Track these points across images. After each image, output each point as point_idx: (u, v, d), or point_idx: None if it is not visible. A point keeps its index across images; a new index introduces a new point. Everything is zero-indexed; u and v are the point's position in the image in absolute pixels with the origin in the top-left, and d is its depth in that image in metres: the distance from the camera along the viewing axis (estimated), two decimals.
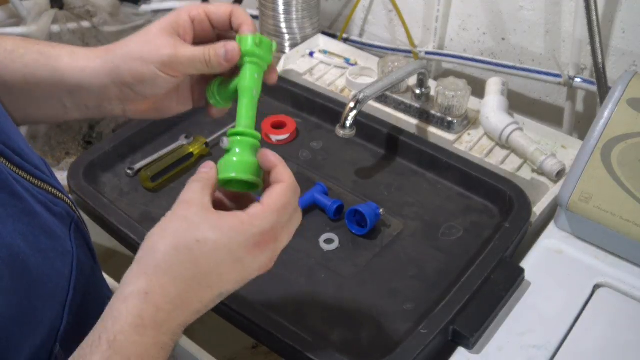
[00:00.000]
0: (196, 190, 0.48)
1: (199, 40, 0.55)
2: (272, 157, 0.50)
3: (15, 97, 0.55)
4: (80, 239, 0.53)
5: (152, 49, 0.52)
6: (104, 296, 0.59)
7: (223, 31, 0.56)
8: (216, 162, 0.52)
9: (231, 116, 0.55)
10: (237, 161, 0.50)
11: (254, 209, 0.48)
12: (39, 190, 0.49)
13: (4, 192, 0.43)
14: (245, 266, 0.48)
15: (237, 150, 0.51)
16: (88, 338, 0.44)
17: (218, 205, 0.51)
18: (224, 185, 0.51)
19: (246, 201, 0.52)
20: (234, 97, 0.54)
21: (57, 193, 0.51)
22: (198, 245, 0.45)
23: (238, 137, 0.51)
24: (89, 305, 0.53)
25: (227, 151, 0.51)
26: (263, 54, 0.53)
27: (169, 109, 0.59)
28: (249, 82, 0.53)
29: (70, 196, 0.54)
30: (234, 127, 0.52)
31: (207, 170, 0.50)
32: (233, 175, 0.50)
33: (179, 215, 0.47)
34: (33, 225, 0.46)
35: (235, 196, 0.54)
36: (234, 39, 0.54)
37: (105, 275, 0.67)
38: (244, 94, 0.53)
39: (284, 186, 0.49)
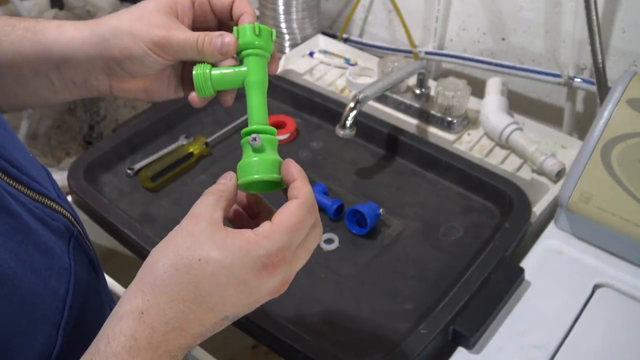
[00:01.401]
0: (208, 204, 0.45)
1: (196, 24, 0.53)
2: (293, 170, 0.47)
3: (3, 79, 0.53)
4: (80, 254, 0.50)
5: (144, 26, 0.49)
6: (107, 312, 0.56)
7: (223, 19, 0.54)
8: (230, 168, 0.49)
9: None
10: (256, 161, 0.47)
11: (264, 227, 0.44)
12: (36, 205, 0.46)
13: None
14: (251, 289, 0.44)
15: (252, 150, 0.48)
16: (83, 358, 0.41)
17: (237, 219, 0.49)
18: (245, 189, 0.48)
19: (266, 216, 0.49)
20: (229, 87, 0.52)
21: (56, 207, 0.49)
22: (199, 265, 0.42)
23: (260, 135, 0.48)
24: (87, 324, 0.49)
25: (245, 151, 0.48)
26: (264, 44, 0.51)
27: (159, 93, 0.56)
28: (257, 76, 0.50)
29: (72, 210, 0.52)
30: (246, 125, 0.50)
31: (225, 182, 0.47)
32: (254, 177, 0.47)
33: (184, 230, 0.44)
34: (26, 242, 0.43)
35: (256, 211, 0.51)
36: (232, 30, 0.51)
37: (105, 276, 0.67)
38: (254, 89, 0.50)
39: (297, 203, 0.45)
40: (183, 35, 0.50)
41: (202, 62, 0.52)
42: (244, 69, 0.51)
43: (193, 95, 0.53)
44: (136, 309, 0.41)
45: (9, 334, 0.40)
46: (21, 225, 0.43)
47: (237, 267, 0.43)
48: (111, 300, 0.59)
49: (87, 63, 0.52)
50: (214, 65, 0.52)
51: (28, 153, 0.50)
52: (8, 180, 0.44)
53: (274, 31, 0.52)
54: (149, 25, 0.49)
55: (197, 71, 0.51)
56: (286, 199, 0.47)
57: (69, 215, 0.50)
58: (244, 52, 0.51)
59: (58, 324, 0.45)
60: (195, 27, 0.53)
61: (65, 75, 0.54)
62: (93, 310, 0.51)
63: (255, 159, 0.47)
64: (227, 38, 0.50)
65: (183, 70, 0.57)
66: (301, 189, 0.46)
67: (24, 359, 0.42)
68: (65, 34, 0.52)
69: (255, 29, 0.50)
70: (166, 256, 0.43)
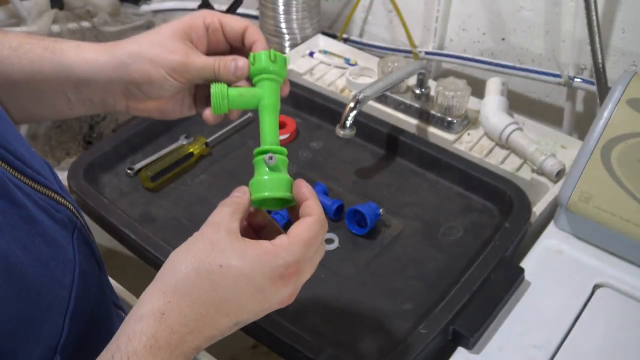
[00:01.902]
0: (226, 215, 0.48)
1: (209, 49, 0.55)
2: (304, 189, 0.50)
3: (20, 94, 0.55)
4: (83, 245, 0.51)
5: (163, 52, 0.52)
6: (110, 304, 0.58)
7: (234, 44, 0.56)
8: (246, 181, 0.52)
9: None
10: (269, 179, 0.50)
11: (281, 240, 0.47)
12: (40, 196, 0.48)
13: (3, 199, 0.42)
14: (266, 297, 0.47)
15: (267, 168, 0.51)
16: (101, 356, 0.43)
17: (244, 234, 0.51)
18: (259, 204, 0.51)
19: (272, 232, 0.53)
20: (243, 107, 0.54)
21: (60, 199, 0.50)
22: (220, 271, 0.45)
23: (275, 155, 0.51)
24: (92, 314, 0.51)
25: (258, 169, 0.51)
26: (279, 70, 0.54)
27: (172, 112, 0.59)
28: (271, 100, 0.53)
29: (74, 202, 0.53)
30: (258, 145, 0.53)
31: (240, 195, 0.50)
32: (266, 194, 0.50)
33: (205, 238, 0.46)
34: (33, 233, 0.44)
35: (261, 227, 0.54)
36: (244, 54, 0.54)
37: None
38: (267, 111, 0.53)
39: (312, 220, 0.48)
40: (200, 60, 0.52)
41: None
42: (259, 90, 0.54)
43: (207, 113, 0.55)
44: (157, 310, 0.43)
45: (17, 323, 0.42)
46: (27, 216, 0.44)
47: (257, 275, 0.45)
48: (113, 293, 0.60)
49: (106, 85, 0.54)
50: (228, 85, 0.55)
51: (30, 147, 0.51)
52: (13, 172, 0.45)
53: (287, 58, 0.55)
54: (167, 51, 0.52)
55: (215, 90, 0.53)
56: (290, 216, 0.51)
57: (71, 207, 0.52)
58: (259, 77, 0.54)
59: (64, 314, 0.47)
60: (208, 52, 0.55)
61: (84, 94, 0.56)
62: (96, 301, 0.53)
63: (268, 177, 0.50)
64: (240, 62, 0.53)
65: (196, 90, 0.59)
66: (314, 207, 0.49)
67: (32, 347, 0.44)
68: (85, 56, 0.54)
69: (271, 56, 0.53)
70: (188, 261, 0.45)
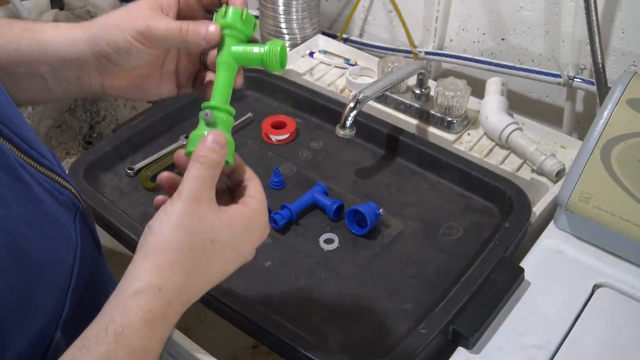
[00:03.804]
0: (204, 180, 0.47)
1: (183, 17, 0.54)
2: (236, 157, 0.52)
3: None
4: (84, 228, 0.53)
5: (129, 18, 0.52)
6: (108, 286, 0.59)
7: (212, 9, 0.55)
8: None
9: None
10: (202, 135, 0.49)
11: (253, 204, 0.50)
12: (45, 178, 0.49)
13: (10, 176, 0.44)
14: (244, 258, 0.50)
15: (205, 124, 0.50)
16: (91, 328, 0.43)
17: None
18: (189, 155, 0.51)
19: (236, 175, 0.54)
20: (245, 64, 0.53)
21: (63, 182, 0.52)
22: (212, 246, 0.47)
23: (214, 112, 0.50)
24: (92, 294, 0.53)
25: (200, 123, 0.51)
26: (245, 29, 0.52)
27: (151, 90, 0.58)
28: (227, 57, 0.52)
29: (76, 187, 0.54)
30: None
31: (218, 150, 0.48)
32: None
33: (192, 212, 0.46)
34: (38, 211, 0.46)
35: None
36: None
37: None
38: (222, 68, 0.52)
39: (258, 181, 0.52)
40: (164, 23, 0.52)
41: (187, 51, 0.55)
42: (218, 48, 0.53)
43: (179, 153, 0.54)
44: (155, 285, 0.44)
45: (22, 294, 0.43)
46: (33, 195, 0.46)
47: (244, 244, 0.49)
48: (110, 278, 0.62)
49: (79, 60, 0.54)
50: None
51: (34, 132, 0.52)
52: (19, 154, 0.47)
53: (257, 22, 0.53)
54: (133, 17, 0.52)
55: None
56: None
57: (74, 191, 0.53)
58: (224, 31, 0.52)
59: (66, 290, 0.49)
60: (181, 19, 0.54)
61: (59, 73, 0.56)
62: (95, 282, 0.55)
63: (205, 132, 0.50)
64: (212, 27, 0.52)
65: (177, 68, 0.58)
66: (251, 171, 0.53)
67: (34, 321, 0.45)
68: (60, 33, 0.54)
69: (243, 15, 0.52)
70: (181, 236, 0.46)
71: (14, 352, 0.44)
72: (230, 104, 0.53)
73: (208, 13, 0.56)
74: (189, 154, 0.50)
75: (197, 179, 0.47)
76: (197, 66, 0.59)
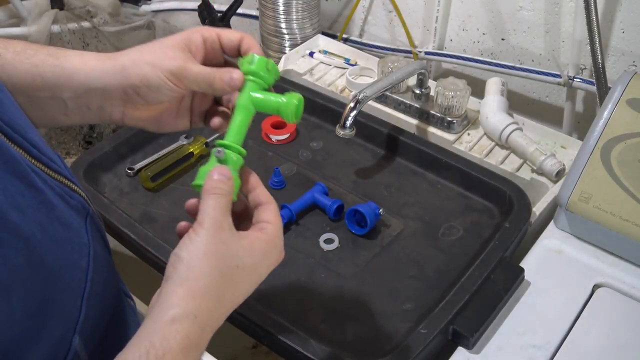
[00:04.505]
0: (221, 209, 0.50)
1: (207, 61, 0.57)
2: (253, 180, 0.54)
3: (18, 99, 0.56)
4: (95, 231, 0.54)
5: (163, 57, 0.54)
6: (119, 289, 0.61)
7: (231, 54, 0.58)
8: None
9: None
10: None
11: (270, 229, 0.52)
12: (55, 182, 0.50)
13: (23, 183, 0.44)
14: (261, 280, 0.53)
15: (216, 161, 0.52)
16: (131, 351, 0.44)
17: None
18: (197, 189, 0.53)
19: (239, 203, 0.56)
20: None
21: (73, 186, 0.52)
22: (238, 271, 0.49)
23: (226, 151, 0.53)
24: (105, 297, 0.54)
25: (210, 158, 0.53)
26: (268, 78, 0.55)
27: (167, 124, 0.61)
28: (246, 101, 0.54)
29: (85, 190, 0.55)
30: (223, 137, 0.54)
31: (227, 188, 0.51)
32: (203, 183, 0.51)
33: (217, 239, 0.49)
34: (50, 216, 0.46)
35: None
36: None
37: None
38: (239, 110, 0.54)
39: (275, 206, 0.53)
40: (197, 68, 0.55)
41: (211, 94, 0.59)
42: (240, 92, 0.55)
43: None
44: (190, 313, 0.46)
45: (42, 302, 0.44)
46: (45, 200, 0.46)
47: (264, 268, 0.52)
48: (120, 281, 0.63)
49: (105, 90, 0.56)
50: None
51: (41, 136, 0.52)
52: (30, 158, 0.47)
53: (279, 72, 0.57)
54: (166, 57, 0.54)
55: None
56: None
57: (83, 195, 0.54)
58: (247, 76, 0.55)
59: (81, 295, 0.49)
60: (204, 64, 0.57)
61: (82, 100, 0.57)
62: (108, 285, 0.56)
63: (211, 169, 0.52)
64: (235, 74, 0.55)
65: (192, 104, 0.61)
66: (267, 194, 0.54)
67: (53, 327, 0.46)
68: (87, 62, 0.56)
69: (268, 64, 0.55)
70: (210, 264, 0.48)
71: (35, 358, 0.45)
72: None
73: (229, 57, 0.59)
74: (196, 187, 0.52)
75: (215, 209, 0.49)
76: (210, 103, 0.62)
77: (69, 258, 0.48)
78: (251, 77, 0.55)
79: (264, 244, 0.51)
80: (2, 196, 0.41)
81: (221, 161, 0.52)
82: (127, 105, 0.57)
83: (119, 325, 0.59)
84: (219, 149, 0.52)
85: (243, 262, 0.49)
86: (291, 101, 0.54)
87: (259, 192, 0.54)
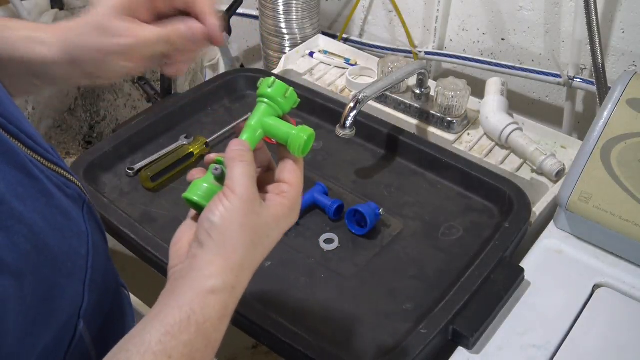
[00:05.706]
0: (249, 178, 0.49)
1: (156, 9, 0.53)
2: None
3: None
4: (92, 220, 0.54)
5: (107, 38, 0.51)
6: (115, 275, 0.61)
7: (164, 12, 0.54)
8: None
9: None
10: (207, 187, 0.51)
11: (292, 193, 0.52)
12: (52, 173, 0.50)
13: (22, 173, 0.45)
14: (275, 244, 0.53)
15: (212, 177, 0.51)
16: (171, 314, 0.45)
17: None
18: (186, 201, 0.52)
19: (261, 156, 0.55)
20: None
21: (68, 176, 0.53)
22: (267, 240, 0.50)
23: (223, 169, 0.51)
24: (104, 284, 0.55)
25: (207, 173, 0.52)
26: (284, 105, 0.53)
27: (143, 69, 0.58)
28: (256, 123, 0.53)
29: (80, 180, 0.55)
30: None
31: (250, 157, 0.50)
32: (195, 199, 0.50)
33: (250, 209, 0.48)
34: (50, 205, 0.47)
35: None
36: (193, 12, 0.52)
37: None
38: (247, 130, 0.53)
39: (295, 165, 0.53)
40: (149, 34, 0.51)
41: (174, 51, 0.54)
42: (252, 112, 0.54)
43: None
44: (229, 285, 0.47)
45: (49, 288, 0.45)
46: (44, 189, 0.47)
47: (281, 232, 0.52)
48: (116, 272, 0.63)
49: (65, 75, 0.55)
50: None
51: (36, 129, 0.53)
52: (26, 150, 0.48)
53: (298, 100, 0.55)
54: (113, 37, 0.51)
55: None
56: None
57: (79, 184, 0.54)
58: (261, 98, 0.53)
59: (83, 281, 0.50)
60: (155, 13, 0.53)
61: (46, 80, 0.57)
62: (106, 272, 0.56)
63: (207, 185, 0.51)
64: (195, 25, 0.51)
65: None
66: (291, 156, 0.53)
67: (60, 313, 0.48)
68: (37, 51, 0.54)
69: (287, 91, 0.53)
70: (247, 236, 0.48)
71: (43, 342, 0.46)
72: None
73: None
74: (187, 199, 0.51)
75: (244, 177, 0.48)
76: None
77: (70, 245, 0.48)
78: (266, 101, 0.53)
79: (286, 210, 0.51)
80: (3, 186, 0.42)
81: (217, 178, 0.51)
82: (94, 79, 0.56)
83: (117, 312, 0.60)
84: (217, 166, 0.51)
85: (272, 231, 0.50)
86: (300, 135, 0.52)
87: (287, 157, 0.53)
